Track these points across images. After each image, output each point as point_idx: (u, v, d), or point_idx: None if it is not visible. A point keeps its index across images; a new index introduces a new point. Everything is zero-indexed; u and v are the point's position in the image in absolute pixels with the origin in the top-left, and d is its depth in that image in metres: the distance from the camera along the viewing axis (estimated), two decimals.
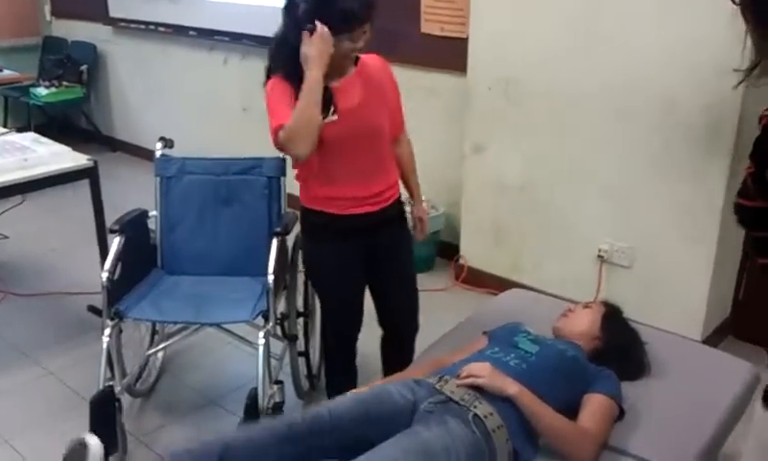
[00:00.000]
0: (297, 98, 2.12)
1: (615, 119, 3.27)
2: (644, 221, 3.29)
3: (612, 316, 2.30)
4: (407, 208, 2.56)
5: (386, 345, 2.67)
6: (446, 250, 4.18)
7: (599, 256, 3.44)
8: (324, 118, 2.17)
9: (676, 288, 3.24)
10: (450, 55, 3.91)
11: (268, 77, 2.28)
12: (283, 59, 2.23)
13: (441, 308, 3.61)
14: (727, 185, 2.99)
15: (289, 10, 2.21)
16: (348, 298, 2.49)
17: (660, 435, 1.98)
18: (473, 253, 3.97)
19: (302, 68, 2.13)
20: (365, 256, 2.42)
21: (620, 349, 2.21)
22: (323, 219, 2.36)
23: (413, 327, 2.64)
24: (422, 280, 3.92)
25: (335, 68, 2.20)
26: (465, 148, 3.85)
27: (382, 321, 2.61)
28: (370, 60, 2.38)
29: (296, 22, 2.15)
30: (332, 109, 2.21)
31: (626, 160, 3.28)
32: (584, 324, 2.25)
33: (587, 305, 2.35)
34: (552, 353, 2.07)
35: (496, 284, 3.66)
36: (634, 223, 3.33)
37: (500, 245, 3.84)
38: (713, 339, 3.30)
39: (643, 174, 3.24)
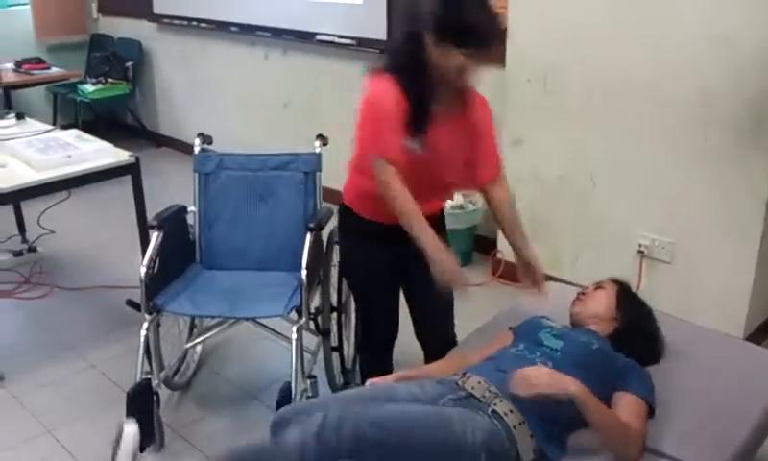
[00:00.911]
0: (408, 112, 2.06)
1: (656, 111, 3.21)
2: (685, 215, 3.23)
3: (626, 293, 2.30)
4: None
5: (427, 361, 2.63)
6: (484, 244, 4.15)
7: (639, 251, 3.39)
8: (408, 143, 2.09)
9: (718, 284, 3.17)
10: None
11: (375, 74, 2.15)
12: (402, 58, 2.12)
13: (477, 303, 3.58)
14: None
15: (413, 17, 2.09)
16: (381, 301, 2.47)
17: (695, 435, 1.94)
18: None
19: (423, 73, 2.05)
20: (398, 263, 2.37)
21: (639, 326, 2.21)
22: (362, 223, 2.33)
23: (447, 340, 2.53)
24: None
25: (444, 85, 2.11)
26: (503, 140, 3.81)
27: (418, 334, 2.57)
28: (477, 99, 2.26)
29: (422, 25, 2.04)
30: (421, 140, 2.11)
31: (667, 153, 3.22)
32: (601, 305, 2.24)
33: (598, 286, 2.33)
34: (577, 348, 2.05)
35: None
36: (675, 217, 3.26)
37: (538, 239, 3.77)
38: (756, 337, 3.22)
39: (685, 167, 3.17)
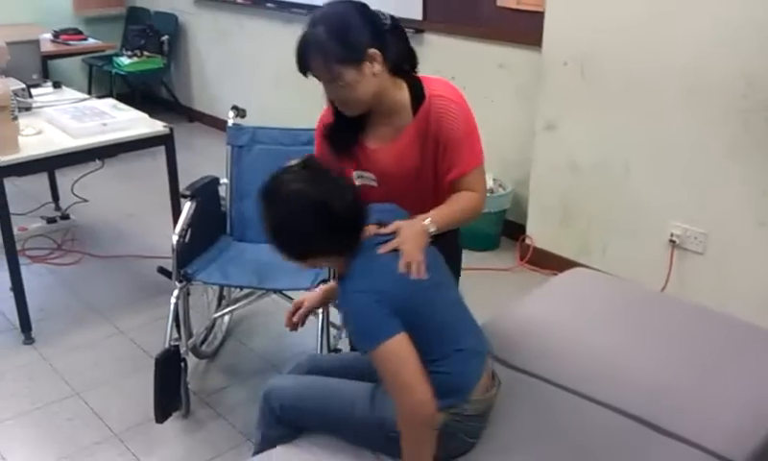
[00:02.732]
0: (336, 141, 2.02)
1: (694, 98, 3.16)
2: (719, 205, 3.18)
3: None
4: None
5: None
6: (512, 229, 4.13)
7: (671, 241, 3.35)
8: (358, 178, 2.03)
9: (751, 275, 3.13)
10: (525, 29, 3.85)
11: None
12: None
13: (504, 288, 3.59)
14: None
15: None
16: None
17: (719, 423, 1.92)
18: (540, 233, 3.92)
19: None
20: None
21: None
22: None
23: None
24: (487, 259, 3.96)
25: (380, 116, 2.00)
26: (536, 125, 3.79)
27: None
28: (433, 111, 1.98)
29: None
30: (372, 176, 2.04)
31: (703, 141, 3.18)
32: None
33: None
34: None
35: (563, 266, 3.58)
36: (708, 207, 3.22)
37: (568, 226, 3.78)
38: None
39: (720, 156, 3.13)
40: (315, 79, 1.92)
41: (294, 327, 2.10)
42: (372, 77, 1.89)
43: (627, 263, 3.51)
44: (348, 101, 1.93)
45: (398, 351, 1.65)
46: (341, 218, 1.70)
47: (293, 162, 1.76)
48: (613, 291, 2.58)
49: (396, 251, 1.75)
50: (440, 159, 2.01)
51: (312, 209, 1.69)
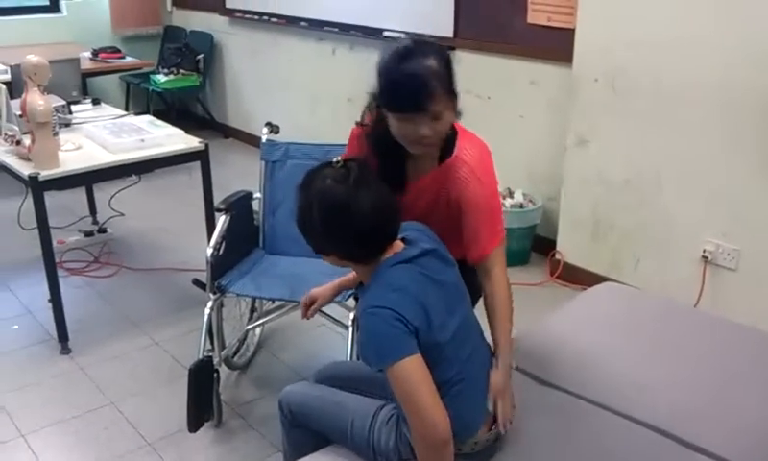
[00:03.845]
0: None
1: (727, 114, 3.15)
2: (752, 221, 3.16)
3: None
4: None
5: None
6: (542, 244, 4.14)
7: (703, 257, 3.33)
8: None
9: None
10: (556, 45, 3.86)
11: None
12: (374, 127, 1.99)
13: (534, 303, 3.58)
14: None
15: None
16: None
17: (747, 440, 1.91)
18: (570, 248, 3.92)
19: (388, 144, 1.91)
20: None
21: None
22: None
23: None
24: (516, 274, 3.93)
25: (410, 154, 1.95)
26: (567, 140, 3.79)
27: None
28: (459, 174, 1.96)
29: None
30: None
31: (735, 157, 3.16)
32: None
33: None
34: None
35: (593, 281, 3.56)
36: (741, 223, 3.20)
37: (599, 241, 3.77)
38: None
39: (754, 172, 3.11)
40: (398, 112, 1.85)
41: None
42: (453, 118, 1.89)
43: (659, 280, 3.49)
44: (432, 140, 1.86)
45: (414, 371, 1.63)
46: (358, 226, 1.69)
47: (337, 158, 1.75)
48: (644, 306, 2.58)
49: (423, 275, 1.74)
50: (454, 214, 1.99)
51: (330, 210, 1.69)
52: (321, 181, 1.72)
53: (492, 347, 1.94)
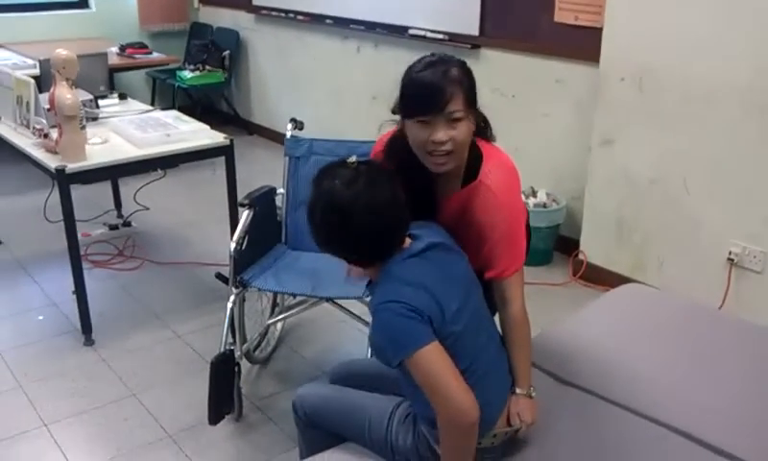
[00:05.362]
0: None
1: (755, 116, 3.11)
2: None
3: None
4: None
5: None
6: (565, 244, 4.11)
7: (729, 259, 3.29)
8: None
9: None
10: (583, 44, 3.84)
11: None
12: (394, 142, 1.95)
13: (557, 303, 3.57)
14: None
15: None
16: None
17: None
18: (594, 248, 3.89)
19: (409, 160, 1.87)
20: None
21: None
22: None
23: None
24: (539, 274, 3.94)
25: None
26: (593, 140, 3.76)
27: None
28: (481, 199, 1.92)
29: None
30: None
31: (763, 159, 3.12)
32: None
33: None
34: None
35: (616, 282, 3.53)
36: None
37: (623, 242, 3.73)
38: None
39: None
40: (414, 116, 1.81)
41: None
42: (470, 131, 1.86)
43: (683, 281, 3.45)
44: (448, 148, 1.80)
45: (436, 357, 1.62)
46: (356, 233, 1.69)
47: (353, 158, 1.74)
48: (668, 308, 2.56)
49: (432, 267, 1.74)
50: (474, 237, 1.94)
51: (331, 211, 1.69)
52: (329, 180, 1.71)
53: (512, 374, 1.91)
